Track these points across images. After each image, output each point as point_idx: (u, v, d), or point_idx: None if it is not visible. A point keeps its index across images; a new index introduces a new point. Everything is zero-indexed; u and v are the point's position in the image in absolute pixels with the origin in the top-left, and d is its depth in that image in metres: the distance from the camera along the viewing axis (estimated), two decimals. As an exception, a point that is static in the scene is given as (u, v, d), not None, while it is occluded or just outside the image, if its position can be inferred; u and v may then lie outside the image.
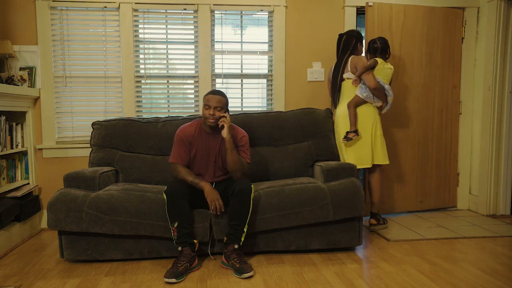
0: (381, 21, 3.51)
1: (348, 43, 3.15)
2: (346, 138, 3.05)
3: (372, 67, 3.03)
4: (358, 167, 3.07)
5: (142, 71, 3.50)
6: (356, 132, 3.05)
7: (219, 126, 2.54)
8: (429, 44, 3.66)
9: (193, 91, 3.58)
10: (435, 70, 3.70)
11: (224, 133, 2.49)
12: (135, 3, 3.39)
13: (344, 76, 3.14)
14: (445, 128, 3.78)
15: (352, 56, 3.12)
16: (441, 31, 3.68)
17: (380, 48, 3.14)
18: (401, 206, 3.73)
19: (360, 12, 3.70)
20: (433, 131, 3.75)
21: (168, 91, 3.58)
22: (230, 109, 3.54)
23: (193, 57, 3.54)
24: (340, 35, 3.22)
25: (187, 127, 2.65)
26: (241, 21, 3.58)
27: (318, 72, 3.62)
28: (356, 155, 3.12)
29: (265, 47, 3.62)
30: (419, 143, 3.72)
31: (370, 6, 3.46)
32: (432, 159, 3.77)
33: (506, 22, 3.50)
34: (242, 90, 3.62)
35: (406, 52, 3.60)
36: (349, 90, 3.13)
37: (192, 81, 3.56)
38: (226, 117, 2.52)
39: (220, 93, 2.58)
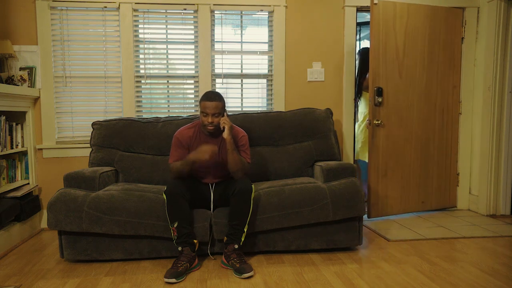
0: (386, 20, 3.43)
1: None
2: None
3: None
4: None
5: (142, 71, 3.50)
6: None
7: (221, 129, 2.54)
8: (431, 43, 3.62)
9: (193, 91, 3.58)
10: (436, 70, 3.67)
11: (225, 134, 2.48)
12: (135, 3, 3.39)
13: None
14: (446, 128, 3.77)
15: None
16: (442, 31, 3.65)
17: None
18: (406, 208, 3.65)
19: (360, 12, 3.70)
20: (434, 131, 3.71)
21: (168, 91, 3.58)
22: (230, 109, 3.58)
23: (193, 57, 3.54)
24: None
25: (185, 130, 2.65)
26: (241, 21, 3.58)
27: (318, 72, 3.62)
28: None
29: (265, 47, 3.62)
30: (422, 143, 3.66)
31: (375, 4, 3.35)
32: (434, 159, 3.72)
33: (506, 22, 3.50)
34: (242, 90, 3.62)
35: (410, 52, 3.55)
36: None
37: (192, 81, 3.56)
38: (225, 119, 2.50)
39: (215, 98, 2.50)
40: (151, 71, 3.53)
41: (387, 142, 3.52)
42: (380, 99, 3.42)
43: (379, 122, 3.44)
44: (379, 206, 3.51)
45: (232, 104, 3.61)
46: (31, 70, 3.30)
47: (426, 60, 3.62)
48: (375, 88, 3.41)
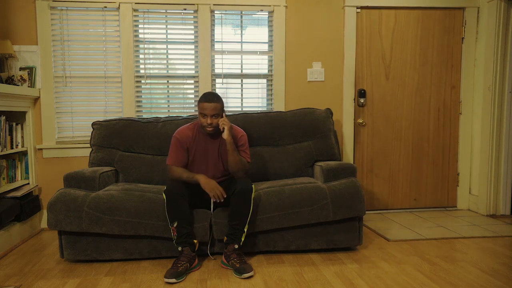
0: (370, 27, 3.67)
1: None
2: None
3: None
4: None
5: (142, 71, 3.50)
6: None
7: (221, 130, 2.53)
8: (424, 45, 3.73)
9: (193, 91, 3.58)
10: (430, 71, 3.75)
11: (225, 135, 2.47)
12: (135, 3, 3.39)
13: None
14: (443, 128, 3.80)
15: None
16: (437, 32, 3.73)
17: None
18: (394, 203, 3.83)
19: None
20: (429, 130, 3.80)
21: (168, 91, 3.58)
22: (230, 109, 3.58)
23: (193, 57, 3.54)
24: None
25: (185, 129, 2.64)
26: (241, 21, 3.58)
27: (318, 72, 3.62)
28: None
29: (265, 47, 3.62)
30: (414, 142, 3.80)
31: (358, 12, 3.60)
32: (428, 158, 3.82)
33: (506, 22, 3.50)
34: (242, 90, 3.62)
35: (398, 54, 3.73)
36: None
37: (192, 81, 3.56)
38: (224, 120, 2.50)
39: (214, 99, 2.48)
40: (151, 71, 3.53)
41: (373, 140, 3.75)
42: (362, 100, 3.65)
43: (362, 121, 3.68)
44: (365, 199, 3.64)
45: (232, 104, 3.61)
46: (31, 70, 3.30)
47: (418, 62, 3.75)
48: (358, 90, 3.65)
